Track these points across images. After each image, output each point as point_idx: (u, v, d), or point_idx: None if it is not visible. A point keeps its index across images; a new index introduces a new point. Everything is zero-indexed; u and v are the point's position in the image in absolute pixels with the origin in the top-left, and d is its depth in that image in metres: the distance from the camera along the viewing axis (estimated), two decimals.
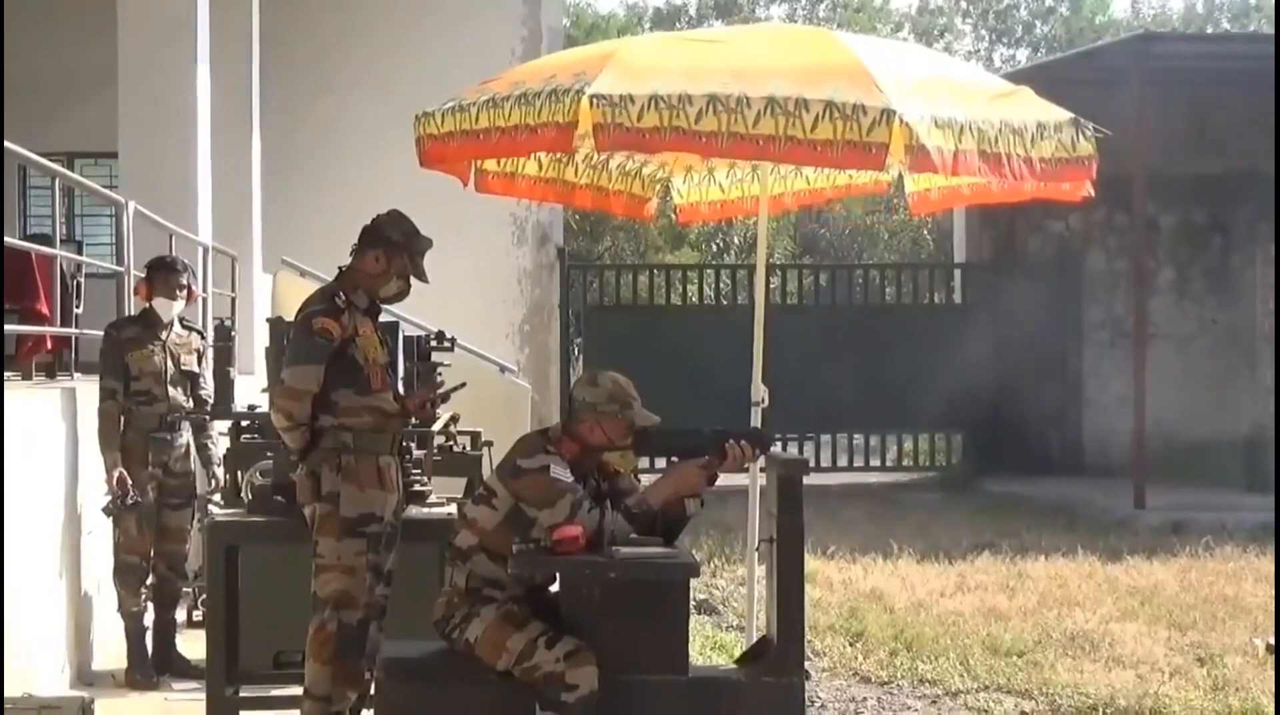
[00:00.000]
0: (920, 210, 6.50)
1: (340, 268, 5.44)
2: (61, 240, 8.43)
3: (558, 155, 6.13)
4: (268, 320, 6.54)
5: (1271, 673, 7.09)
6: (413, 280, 5.44)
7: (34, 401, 6.72)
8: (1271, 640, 7.68)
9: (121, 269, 8.26)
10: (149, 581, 7.17)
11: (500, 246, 15.86)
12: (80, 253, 10.66)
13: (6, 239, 7.82)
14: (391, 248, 5.35)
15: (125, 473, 6.91)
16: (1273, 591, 8.96)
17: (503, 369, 13.75)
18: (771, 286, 17.63)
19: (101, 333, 7.25)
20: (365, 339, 5.31)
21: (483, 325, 14.30)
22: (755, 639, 5.52)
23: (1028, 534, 11.96)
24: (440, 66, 13.97)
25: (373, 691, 5.01)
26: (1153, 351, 15.29)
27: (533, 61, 5.75)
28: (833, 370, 16.35)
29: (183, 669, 7.10)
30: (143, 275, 7.43)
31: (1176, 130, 16.48)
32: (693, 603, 7.51)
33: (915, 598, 9.23)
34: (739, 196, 6.73)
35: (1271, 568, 9.85)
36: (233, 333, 7.43)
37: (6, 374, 7.93)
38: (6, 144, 6.45)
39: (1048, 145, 5.06)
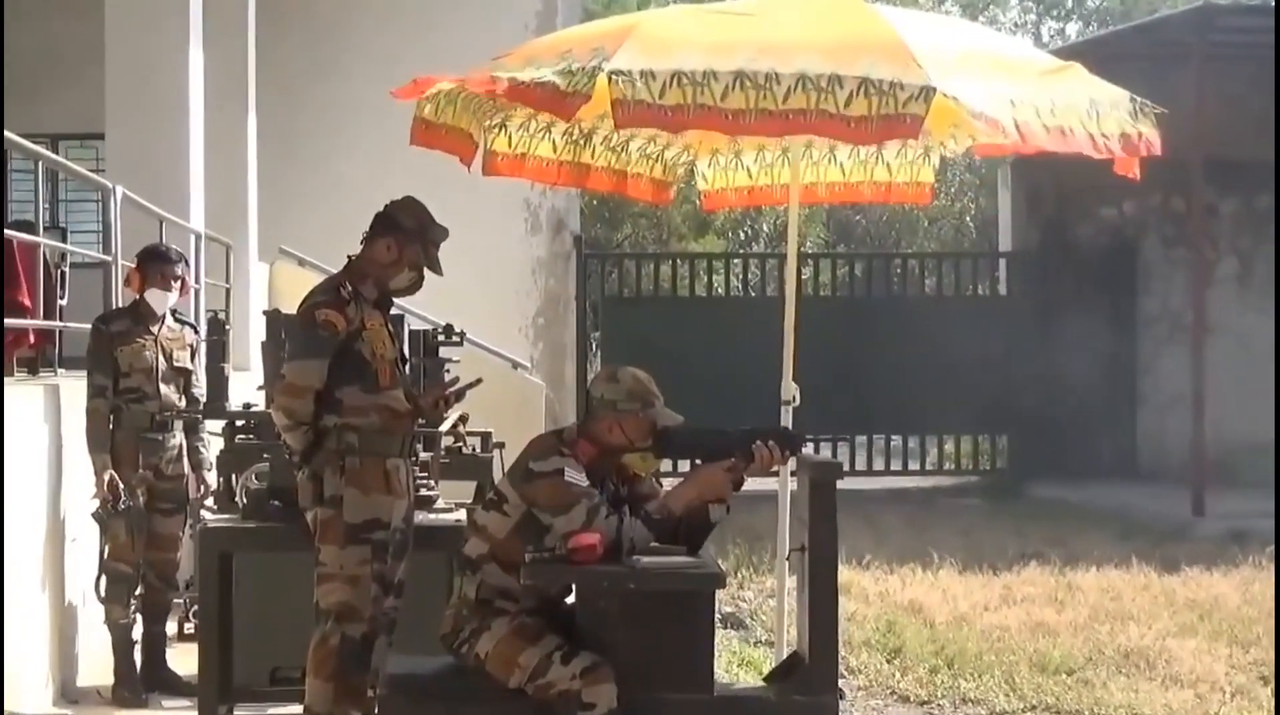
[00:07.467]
0: (988, 153, 6.54)
1: (350, 257, 5.44)
2: (45, 227, 8.46)
3: (574, 137, 6.13)
4: (264, 312, 6.55)
5: None
6: (426, 272, 5.44)
7: (15, 399, 6.73)
8: None
9: (109, 258, 8.29)
10: (138, 592, 7.19)
11: (513, 235, 15.87)
12: (65, 241, 10.70)
13: None
14: (404, 236, 5.35)
15: (116, 476, 6.93)
16: None
17: (515, 365, 13.80)
18: (803, 277, 17.62)
19: (88, 326, 7.27)
20: (373, 332, 5.31)
21: (494, 319, 14.32)
22: (785, 655, 5.52)
23: (1078, 542, 11.94)
24: (448, 43, 13.98)
25: (377, 710, 5.03)
26: (1212, 347, 15.21)
27: (547, 36, 5.75)
28: (869, 367, 16.36)
29: (173, 685, 7.11)
30: (133, 265, 7.45)
31: (1239, 110, 16.38)
32: (718, 615, 7.54)
33: (957, 611, 9.22)
34: (768, 183, 6.73)
35: None
36: (227, 326, 7.46)
37: None
38: None
39: (1109, 122, 5.03)
